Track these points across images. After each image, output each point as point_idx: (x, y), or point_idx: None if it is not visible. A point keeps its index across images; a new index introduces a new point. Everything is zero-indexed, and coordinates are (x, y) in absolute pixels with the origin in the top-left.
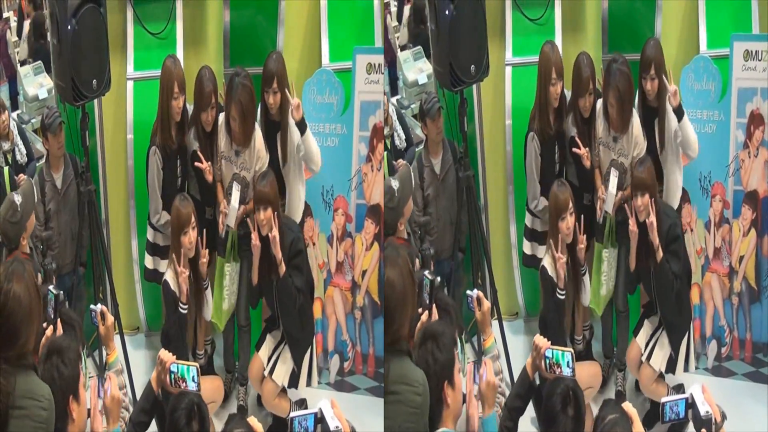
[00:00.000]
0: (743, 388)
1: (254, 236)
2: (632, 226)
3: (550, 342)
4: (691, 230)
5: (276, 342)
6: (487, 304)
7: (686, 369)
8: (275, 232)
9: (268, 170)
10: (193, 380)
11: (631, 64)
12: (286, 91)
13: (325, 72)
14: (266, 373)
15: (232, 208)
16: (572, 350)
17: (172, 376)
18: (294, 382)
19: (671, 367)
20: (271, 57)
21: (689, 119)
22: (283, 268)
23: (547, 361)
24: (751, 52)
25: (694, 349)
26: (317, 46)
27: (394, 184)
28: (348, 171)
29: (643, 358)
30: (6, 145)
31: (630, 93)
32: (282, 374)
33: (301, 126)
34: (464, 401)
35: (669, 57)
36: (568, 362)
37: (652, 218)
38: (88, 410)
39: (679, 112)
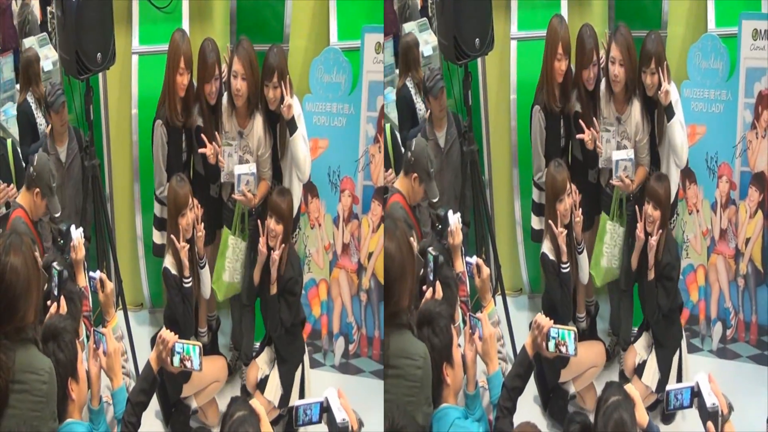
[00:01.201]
0: (748, 370)
1: (262, 241)
2: (639, 231)
3: (552, 321)
4: (698, 211)
5: (271, 357)
6: (486, 270)
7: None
8: (276, 256)
9: (287, 190)
10: (198, 358)
11: (636, 41)
12: (283, 86)
13: (332, 50)
14: (259, 378)
15: (235, 170)
16: (575, 329)
17: (178, 356)
18: (284, 402)
19: (661, 386)
20: (272, 51)
21: (696, 99)
22: (274, 289)
23: (553, 341)
24: (760, 31)
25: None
26: (326, 24)
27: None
28: (355, 152)
29: (638, 359)
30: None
31: (635, 54)
32: (272, 393)
33: (291, 126)
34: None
35: (677, 35)
36: (573, 340)
37: (653, 242)
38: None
39: (669, 113)
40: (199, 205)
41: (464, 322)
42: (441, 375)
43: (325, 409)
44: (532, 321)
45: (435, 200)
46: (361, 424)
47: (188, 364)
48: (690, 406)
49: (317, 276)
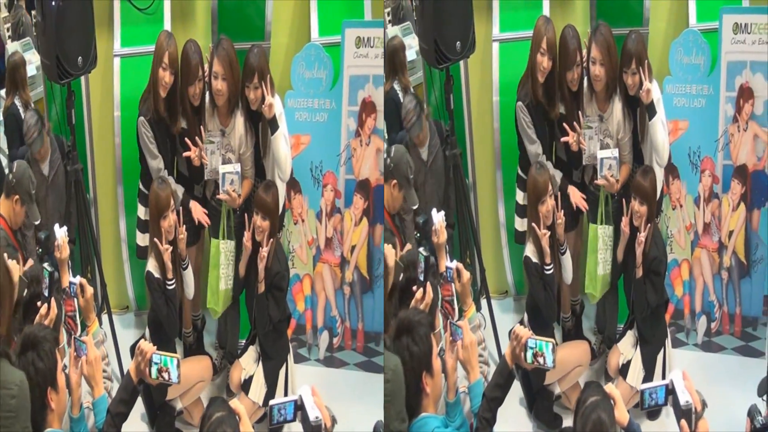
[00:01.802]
0: (733, 362)
1: (247, 236)
2: (624, 225)
3: (532, 332)
4: (681, 206)
5: (255, 357)
6: (466, 275)
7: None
8: (264, 253)
9: (273, 183)
10: (176, 370)
11: (618, 38)
12: (264, 86)
13: (313, 47)
14: (242, 380)
15: (220, 169)
16: (554, 340)
17: (156, 366)
18: (269, 400)
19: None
20: (252, 51)
21: (678, 94)
22: (262, 287)
23: (531, 351)
24: (741, 24)
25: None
26: (307, 21)
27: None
28: (337, 146)
29: (622, 359)
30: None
31: (616, 53)
32: (257, 392)
33: (272, 126)
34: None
35: (659, 31)
36: (551, 352)
37: (642, 238)
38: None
39: (650, 111)
40: (197, 204)
41: (447, 319)
42: (420, 384)
43: (300, 407)
44: (511, 331)
45: (415, 207)
46: (334, 420)
47: (166, 375)
48: (665, 404)
49: (301, 271)
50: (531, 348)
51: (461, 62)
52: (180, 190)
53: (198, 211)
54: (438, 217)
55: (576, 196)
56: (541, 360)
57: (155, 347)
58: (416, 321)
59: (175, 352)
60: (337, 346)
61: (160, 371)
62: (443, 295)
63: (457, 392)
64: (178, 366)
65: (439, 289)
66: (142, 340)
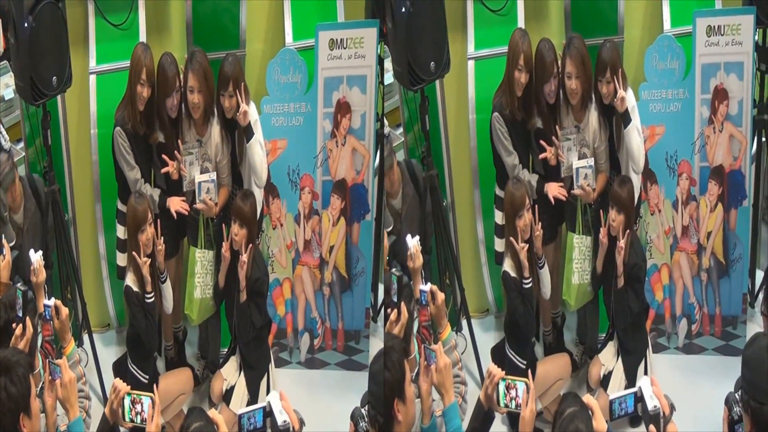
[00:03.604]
0: (714, 362)
1: (225, 246)
2: (602, 236)
3: (506, 369)
4: (659, 211)
5: (237, 366)
6: (441, 297)
7: None
8: (245, 258)
9: (251, 193)
10: (151, 407)
11: (593, 48)
12: (238, 94)
13: (288, 51)
14: (224, 390)
15: (196, 178)
16: (527, 381)
17: (130, 396)
18: None
19: None
20: (227, 60)
21: (654, 100)
22: (244, 296)
23: (504, 382)
24: (714, 27)
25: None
26: (281, 26)
27: None
28: (313, 149)
29: (603, 370)
30: None
31: (590, 64)
32: (239, 403)
33: (248, 133)
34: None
35: (634, 38)
36: (523, 391)
37: (622, 244)
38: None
39: (625, 119)
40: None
41: (423, 344)
42: (392, 412)
43: (268, 413)
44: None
45: (388, 229)
46: (302, 423)
47: (139, 407)
48: (634, 412)
49: (281, 275)
50: (504, 379)
51: (437, 82)
52: (156, 193)
53: (176, 204)
54: (413, 242)
55: (554, 190)
56: (514, 393)
57: (129, 386)
58: (389, 347)
59: (156, 366)
60: (317, 347)
61: (134, 401)
62: (420, 320)
63: (432, 417)
64: (151, 406)
65: (416, 315)
66: (117, 379)
